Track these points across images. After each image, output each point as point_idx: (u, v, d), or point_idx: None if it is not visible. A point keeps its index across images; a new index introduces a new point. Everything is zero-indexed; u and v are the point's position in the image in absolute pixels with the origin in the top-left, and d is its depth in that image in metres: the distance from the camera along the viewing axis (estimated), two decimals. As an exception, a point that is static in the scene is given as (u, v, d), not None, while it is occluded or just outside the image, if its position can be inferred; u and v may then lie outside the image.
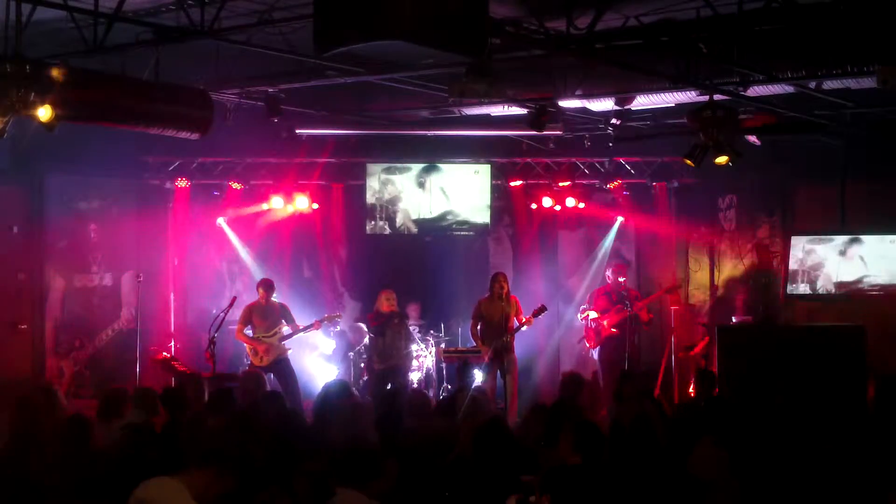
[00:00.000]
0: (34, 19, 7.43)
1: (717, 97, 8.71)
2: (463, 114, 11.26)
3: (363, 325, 12.62)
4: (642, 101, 9.83)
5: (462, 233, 13.20)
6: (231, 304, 10.47)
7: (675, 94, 9.46)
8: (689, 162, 8.85)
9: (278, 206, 13.18)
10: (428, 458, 6.05)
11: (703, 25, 7.78)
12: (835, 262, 11.18)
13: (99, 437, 6.94)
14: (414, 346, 12.07)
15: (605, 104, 10.17)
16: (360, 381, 12.07)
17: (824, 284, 11.30)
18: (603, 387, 11.64)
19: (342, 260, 14.06)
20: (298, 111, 11.21)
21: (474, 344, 11.37)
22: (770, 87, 9.16)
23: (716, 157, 8.70)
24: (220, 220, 13.29)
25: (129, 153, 12.02)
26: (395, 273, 12.77)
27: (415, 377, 12.11)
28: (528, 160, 13.05)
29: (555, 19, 7.74)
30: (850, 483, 5.94)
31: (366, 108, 11.55)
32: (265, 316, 11.13)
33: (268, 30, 8.09)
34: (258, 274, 12.66)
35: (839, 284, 11.18)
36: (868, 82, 8.50)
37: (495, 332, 10.88)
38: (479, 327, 11.16)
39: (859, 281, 11.19)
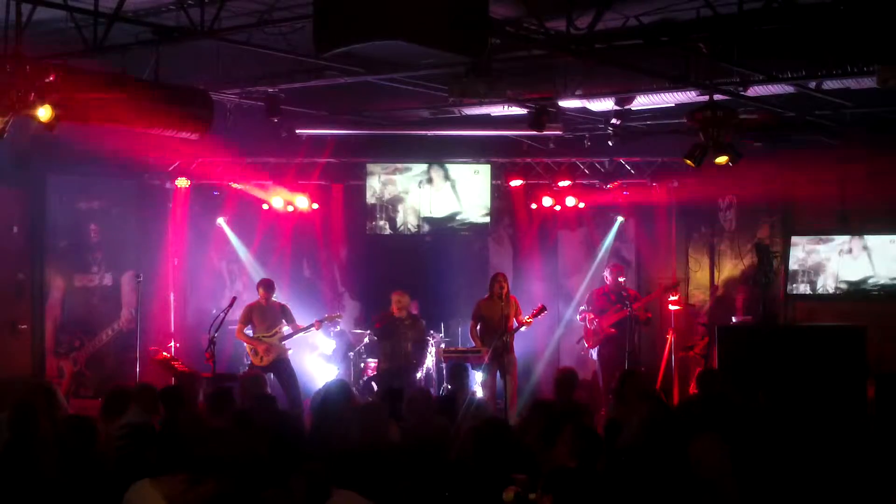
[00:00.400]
0: (34, 19, 7.43)
1: (717, 97, 8.71)
2: (463, 114, 11.25)
3: (362, 329, 12.63)
4: (642, 101, 9.84)
5: (462, 233, 13.20)
6: (231, 304, 10.47)
7: (675, 94, 9.46)
8: (689, 162, 8.85)
9: (278, 206, 13.18)
10: (427, 458, 6.05)
11: (703, 25, 7.78)
12: (834, 262, 11.18)
13: (101, 436, 6.95)
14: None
15: (605, 104, 10.17)
16: (360, 381, 12.06)
17: (824, 284, 11.30)
18: (602, 386, 11.65)
19: (342, 260, 14.07)
20: (298, 111, 11.22)
21: (474, 344, 11.37)
22: (770, 87, 9.16)
23: (716, 157, 8.70)
24: (220, 220, 13.30)
25: (129, 153, 12.02)
26: (395, 273, 12.77)
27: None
28: (528, 160, 13.05)
29: (555, 19, 7.74)
30: (851, 483, 5.95)
31: (366, 108, 11.56)
32: (265, 316, 11.12)
33: (268, 30, 8.09)
34: (258, 274, 12.67)
35: (839, 284, 11.18)
36: (868, 82, 8.50)
37: (495, 332, 10.88)
38: (478, 327, 11.16)
39: (859, 281, 11.19)
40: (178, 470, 4.95)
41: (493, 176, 13.07)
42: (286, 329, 11.15)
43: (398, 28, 5.22)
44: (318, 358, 12.75)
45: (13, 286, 11.62)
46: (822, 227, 11.67)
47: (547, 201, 13.21)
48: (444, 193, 13.09)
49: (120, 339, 12.53)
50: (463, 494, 5.74)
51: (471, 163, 13.08)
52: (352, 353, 12.42)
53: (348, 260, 14.02)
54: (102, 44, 7.81)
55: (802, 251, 11.43)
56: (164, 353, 12.11)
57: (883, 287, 11.09)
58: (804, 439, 6.46)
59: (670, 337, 12.30)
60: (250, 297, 11.94)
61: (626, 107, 10.06)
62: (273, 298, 11.29)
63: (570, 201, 13.12)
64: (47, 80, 7.12)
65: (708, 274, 12.97)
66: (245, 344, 11.25)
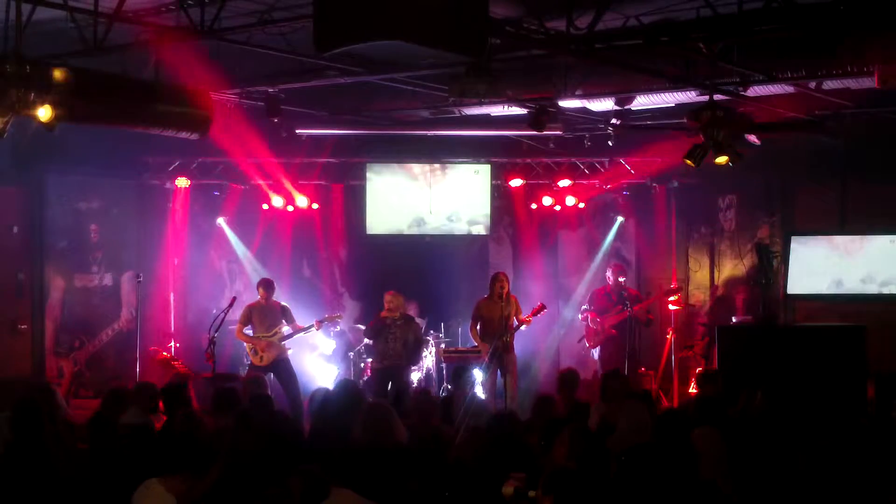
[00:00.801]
0: (34, 19, 7.43)
1: (717, 97, 8.71)
2: (463, 114, 11.25)
3: (362, 327, 12.63)
4: (642, 101, 9.84)
5: (462, 233, 13.20)
6: (231, 304, 10.46)
7: (675, 94, 9.46)
8: (689, 162, 8.85)
9: (278, 205, 13.19)
10: (426, 458, 6.05)
11: (703, 25, 7.78)
12: (834, 262, 11.17)
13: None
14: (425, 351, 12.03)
15: (605, 104, 10.18)
16: (361, 381, 12.06)
17: (824, 284, 11.30)
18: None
19: (342, 260, 14.07)
20: (298, 111, 11.22)
21: (475, 344, 11.37)
22: (770, 87, 9.16)
23: (716, 157, 8.70)
24: (220, 220, 13.30)
25: (129, 153, 12.04)
26: (395, 273, 12.76)
27: (415, 377, 12.11)
28: (528, 160, 13.05)
29: (555, 19, 7.75)
30: (851, 483, 5.94)
31: (366, 108, 11.55)
32: (265, 316, 11.11)
33: (268, 30, 8.09)
34: (258, 274, 12.66)
35: (839, 284, 11.17)
36: (868, 82, 8.50)
37: (495, 332, 10.87)
38: (478, 327, 11.15)
39: (859, 281, 11.18)
40: (178, 469, 4.94)
41: (493, 176, 13.07)
42: (286, 329, 11.14)
43: (398, 28, 5.22)
44: (318, 358, 12.75)
45: (13, 286, 11.63)
46: (822, 227, 11.66)
47: (547, 201, 13.21)
48: (443, 193, 13.09)
49: (120, 339, 12.54)
50: (462, 495, 5.75)
51: (471, 163, 13.08)
52: (352, 353, 12.42)
53: (348, 260, 14.03)
54: (102, 44, 7.81)
55: (802, 251, 11.43)
56: (164, 353, 12.13)
57: (883, 287, 11.08)
58: (804, 439, 6.44)
59: (670, 337, 12.32)
60: (250, 297, 11.94)
61: (626, 107, 10.06)
62: (273, 298, 11.27)
63: (570, 201, 13.12)
64: (47, 80, 7.12)
65: (708, 274, 12.97)
66: (245, 344, 11.24)
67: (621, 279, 12.15)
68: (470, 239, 13.49)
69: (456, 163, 13.10)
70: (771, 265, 11.01)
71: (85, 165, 11.86)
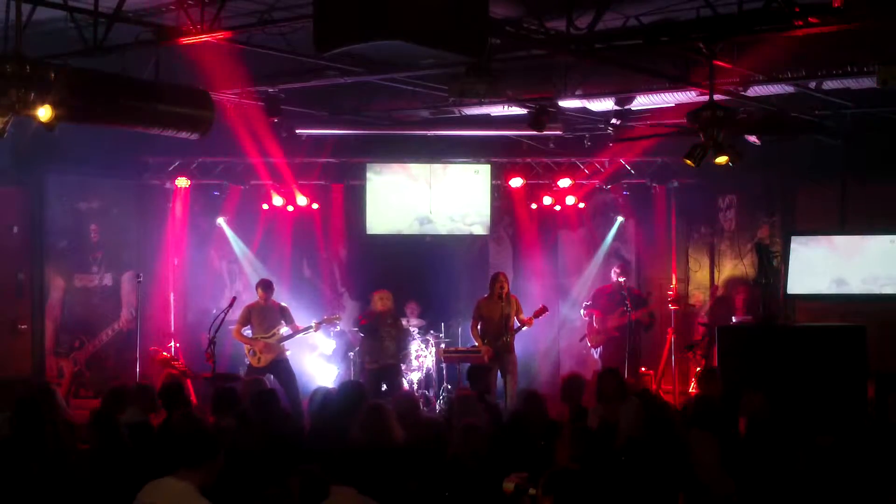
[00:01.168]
0: (34, 19, 7.43)
1: (717, 97, 8.70)
2: (463, 114, 11.25)
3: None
4: (642, 101, 9.84)
5: (462, 233, 13.20)
6: (231, 304, 10.45)
7: (675, 94, 9.46)
8: (689, 162, 8.83)
9: (278, 205, 13.19)
10: (425, 457, 6.06)
11: (703, 25, 7.78)
12: (834, 262, 11.16)
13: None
14: (413, 346, 12.08)
15: (605, 104, 10.17)
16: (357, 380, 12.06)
17: (824, 284, 11.29)
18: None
19: (342, 260, 14.08)
20: (298, 111, 11.22)
21: (475, 344, 11.37)
22: (770, 87, 9.16)
23: (716, 157, 8.70)
24: (220, 220, 13.30)
25: (129, 153, 12.04)
26: (395, 273, 12.77)
27: (415, 377, 12.12)
28: (528, 160, 13.05)
29: (555, 19, 7.75)
30: (851, 483, 5.95)
31: (366, 108, 11.55)
32: (264, 317, 11.10)
33: (268, 30, 8.09)
34: (258, 274, 12.67)
35: (839, 284, 11.17)
36: (868, 82, 8.50)
37: (495, 332, 10.88)
38: (479, 327, 11.15)
39: (859, 281, 11.18)
40: (179, 466, 4.92)
41: (493, 176, 13.07)
42: (284, 330, 11.12)
43: (398, 28, 5.22)
44: (318, 358, 12.75)
45: (13, 286, 11.63)
46: (822, 227, 11.66)
47: (547, 201, 13.22)
48: (443, 193, 13.09)
49: (120, 339, 12.54)
50: (462, 493, 5.76)
51: (471, 163, 13.08)
52: (352, 353, 12.42)
53: (348, 260, 14.03)
54: (102, 44, 7.81)
55: (802, 251, 11.42)
56: (164, 353, 12.13)
57: (883, 287, 11.07)
58: (804, 439, 6.45)
59: (670, 337, 12.32)
60: (250, 297, 11.94)
61: (626, 107, 10.06)
62: (272, 299, 11.26)
63: (570, 201, 13.13)
64: (47, 80, 7.11)
65: (708, 274, 12.98)
66: (243, 344, 11.23)
67: (621, 279, 12.17)
68: (470, 239, 13.49)
69: (456, 163, 13.10)
70: (771, 265, 10.98)
71: (85, 165, 11.86)
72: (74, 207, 12.31)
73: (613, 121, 10.71)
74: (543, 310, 11.13)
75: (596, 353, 12.16)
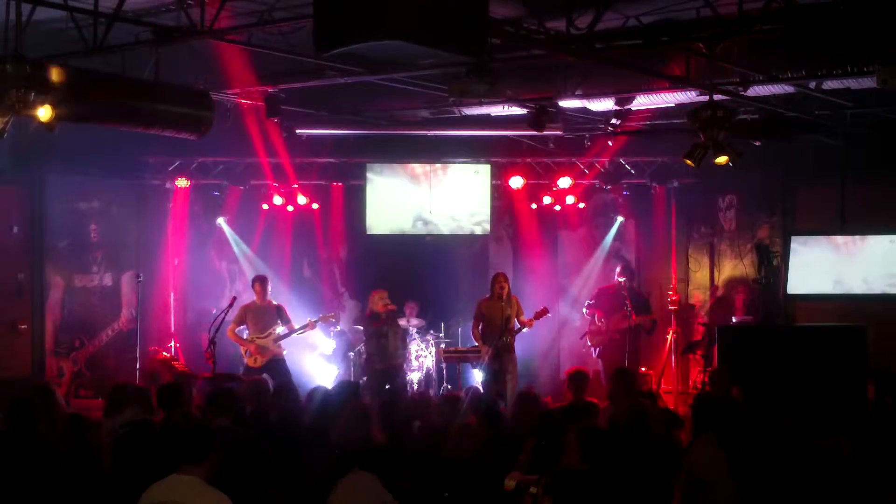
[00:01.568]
0: (34, 19, 7.44)
1: (717, 97, 8.71)
2: (463, 114, 11.26)
3: (362, 329, 12.63)
4: (642, 101, 9.84)
5: (462, 233, 13.20)
6: (231, 304, 10.46)
7: (675, 94, 9.46)
8: (689, 162, 8.84)
9: (278, 205, 13.19)
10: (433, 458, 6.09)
11: (703, 25, 7.78)
12: (834, 262, 11.17)
13: (104, 433, 6.97)
14: (413, 346, 12.08)
15: (605, 104, 10.17)
16: (360, 381, 12.05)
17: (824, 284, 11.29)
18: (605, 386, 11.65)
19: (342, 260, 14.08)
20: (298, 111, 11.21)
21: (475, 344, 11.37)
22: (770, 87, 9.16)
23: (716, 157, 8.70)
24: (220, 220, 13.30)
25: (129, 153, 12.03)
26: (395, 273, 12.77)
27: (415, 377, 12.12)
28: (528, 160, 13.05)
29: (555, 19, 7.74)
30: (851, 483, 5.95)
31: (366, 108, 11.55)
32: (259, 317, 11.08)
33: (268, 30, 8.09)
34: (257, 273, 12.65)
35: (839, 284, 11.17)
36: (868, 82, 8.50)
37: (496, 333, 10.87)
38: (479, 328, 11.14)
39: (859, 281, 11.18)
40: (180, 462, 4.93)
41: (493, 176, 13.07)
42: (280, 330, 11.10)
43: (398, 28, 5.22)
44: (318, 358, 12.75)
45: (13, 286, 11.63)
46: (822, 227, 11.66)
47: (547, 201, 13.21)
48: (443, 193, 13.08)
49: (120, 339, 12.54)
50: (461, 492, 5.77)
51: (471, 163, 13.08)
52: (352, 353, 12.42)
53: (348, 260, 14.03)
54: (102, 44, 7.81)
55: (802, 251, 11.42)
56: (164, 353, 12.13)
57: (883, 287, 11.08)
58: (804, 439, 6.45)
59: (670, 337, 12.32)
60: (250, 297, 11.94)
61: (626, 107, 10.06)
62: (269, 297, 11.23)
63: (570, 201, 13.13)
64: (47, 80, 7.12)
65: (708, 274, 12.97)
66: (239, 345, 11.22)
67: (621, 280, 12.19)
68: (470, 239, 13.49)
69: (456, 163, 13.10)
70: (771, 265, 11.00)
71: (85, 165, 11.86)
72: (74, 207, 12.31)
73: (613, 121, 10.71)
74: (544, 311, 11.13)
75: (595, 353, 12.17)
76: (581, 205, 13.30)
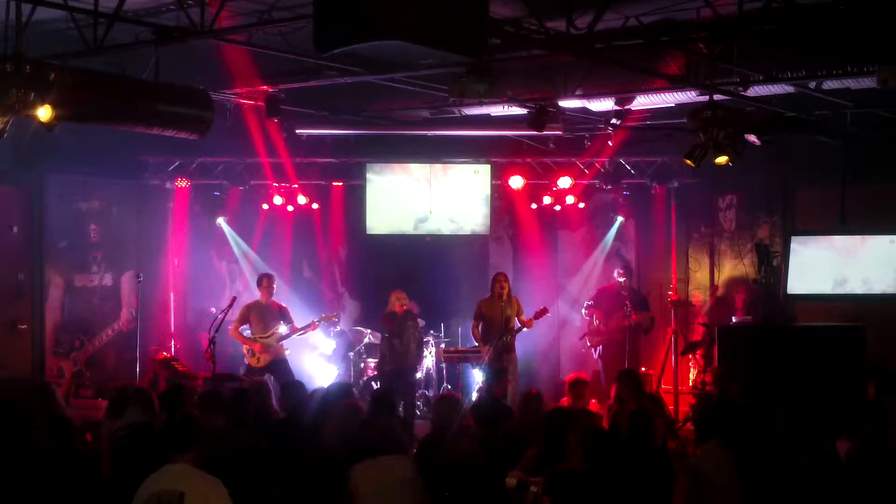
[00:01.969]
0: (34, 19, 7.44)
1: (717, 97, 8.71)
2: (463, 114, 11.25)
3: (362, 329, 12.64)
4: (642, 101, 9.84)
5: (462, 233, 13.20)
6: (231, 304, 10.46)
7: (675, 94, 9.46)
8: (689, 162, 8.84)
9: (278, 205, 13.19)
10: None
11: (703, 25, 7.78)
12: (834, 262, 11.17)
13: (104, 435, 6.97)
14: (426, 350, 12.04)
15: (605, 104, 10.17)
16: (360, 382, 12.06)
17: (824, 284, 11.29)
18: (605, 387, 11.65)
19: (342, 260, 14.08)
20: (298, 111, 11.21)
21: (475, 344, 11.37)
22: (770, 87, 9.16)
23: (716, 157, 8.70)
24: (220, 220, 13.30)
25: (129, 153, 12.04)
26: (395, 273, 12.78)
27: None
28: (528, 160, 13.05)
29: (555, 19, 7.74)
30: (851, 483, 5.94)
31: (366, 108, 11.55)
32: (263, 316, 11.08)
33: (268, 30, 8.09)
34: (257, 274, 12.64)
35: (839, 284, 11.17)
36: (868, 82, 8.50)
37: (496, 333, 10.87)
38: (479, 328, 11.14)
39: (859, 281, 11.18)
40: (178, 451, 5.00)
41: (493, 176, 13.07)
42: (283, 330, 11.10)
43: (398, 28, 5.22)
44: (318, 358, 12.75)
45: (13, 286, 11.63)
46: (822, 227, 11.66)
47: (547, 201, 13.22)
48: (444, 193, 13.09)
49: (120, 339, 12.54)
50: (461, 492, 5.78)
51: (471, 163, 13.08)
52: (352, 353, 12.42)
53: (348, 260, 14.03)
54: (102, 44, 7.81)
55: (802, 251, 11.42)
56: (164, 353, 12.12)
57: (883, 287, 11.08)
58: (804, 439, 6.44)
59: (670, 337, 12.31)
60: (250, 297, 11.94)
61: (626, 107, 10.06)
62: (273, 298, 11.22)
63: (570, 201, 13.13)
64: (47, 80, 7.12)
65: (708, 274, 12.97)
66: (241, 344, 11.22)
67: (621, 280, 12.19)
68: (470, 239, 13.49)
69: (456, 163, 13.10)
70: (771, 265, 10.99)
71: (85, 165, 11.86)
72: (74, 207, 12.31)
73: (613, 121, 10.71)
74: (544, 311, 11.14)
75: (595, 353, 12.17)
76: (581, 205, 13.30)
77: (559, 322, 13.35)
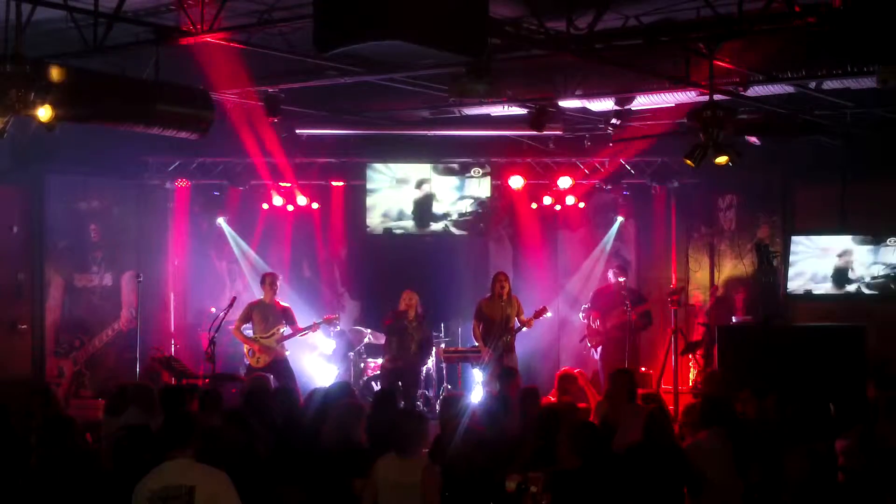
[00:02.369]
0: (34, 19, 7.43)
1: (717, 97, 8.71)
2: (463, 114, 11.26)
3: (362, 329, 12.64)
4: (642, 101, 9.84)
5: (462, 233, 13.20)
6: (231, 304, 10.46)
7: (675, 94, 9.46)
8: (689, 162, 8.84)
9: (278, 205, 13.19)
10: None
11: (703, 25, 7.78)
12: (835, 262, 11.18)
13: (104, 434, 6.96)
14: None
15: (605, 104, 10.18)
16: (360, 382, 12.06)
17: (824, 284, 11.30)
18: (604, 386, 11.66)
19: (342, 260, 14.07)
20: (298, 111, 11.21)
21: (475, 344, 11.36)
22: (770, 87, 9.16)
23: (716, 157, 8.70)
24: (220, 220, 13.30)
25: (129, 153, 12.03)
26: (396, 273, 12.77)
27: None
28: (528, 160, 13.05)
29: (555, 19, 7.75)
30: (850, 483, 5.95)
31: (366, 108, 11.55)
32: (265, 316, 11.06)
33: (268, 30, 8.09)
34: (258, 274, 12.64)
35: (839, 284, 11.18)
36: (868, 82, 8.50)
37: (496, 333, 10.87)
38: (480, 327, 11.14)
39: (859, 281, 11.19)
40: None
41: (493, 176, 13.08)
42: (284, 330, 11.10)
43: (398, 28, 5.22)
44: (318, 358, 12.75)
45: (13, 286, 11.63)
46: (822, 227, 11.66)
47: (547, 201, 13.21)
48: (443, 193, 13.09)
49: (120, 339, 12.54)
50: (461, 492, 5.79)
51: (471, 163, 13.08)
52: (352, 353, 12.41)
53: (348, 260, 14.02)
54: (102, 44, 7.81)
55: (802, 251, 11.43)
56: (164, 353, 12.12)
57: (883, 287, 11.08)
58: (804, 439, 6.45)
59: (670, 337, 12.31)
60: (250, 297, 11.94)
61: (626, 107, 10.06)
62: (276, 298, 11.21)
63: (570, 201, 13.12)
64: (47, 80, 7.12)
65: (708, 274, 12.97)
66: (242, 344, 11.21)
67: (621, 279, 12.18)
68: (470, 239, 13.49)
69: (456, 163, 13.10)
70: (771, 265, 11.00)
71: (85, 165, 11.86)
72: (74, 207, 12.30)
73: (613, 121, 10.71)
74: (543, 310, 11.14)
75: (596, 354, 12.16)
76: (581, 205, 13.29)
77: (559, 322, 13.35)
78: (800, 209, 12.28)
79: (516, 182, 13.09)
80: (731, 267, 12.77)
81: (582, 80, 9.65)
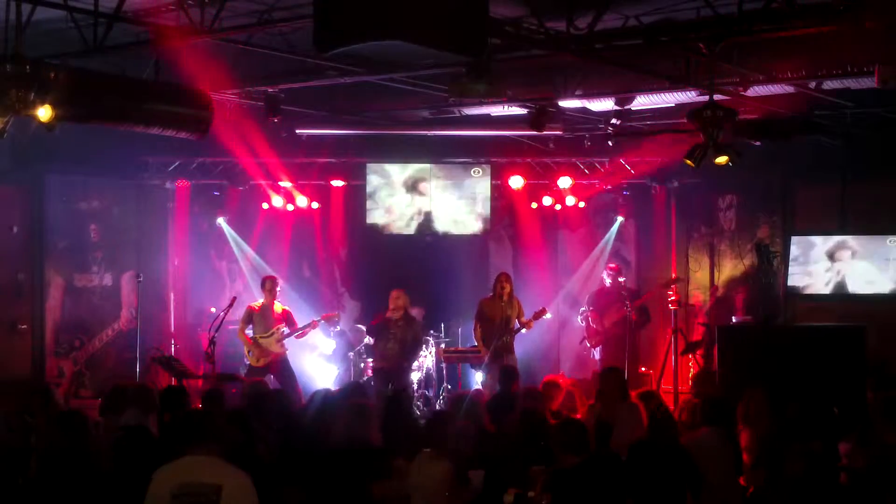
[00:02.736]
0: (34, 19, 7.44)
1: (717, 97, 8.71)
2: (463, 114, 11.26)
3: (362, 327, 12.63)
4: (642, 101, 9.84)
5: (462, 233, 13.20)
6: (231, 304, 10.46)
7: (675, 94, 9.46)
8: (689, 162, 8.84)
9: (278, 205, 13.19)
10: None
11: (703, 25, 7.78)
12: (834, 262, 11.18)
13: (102, 433, 6.96)
14: (423, 350, 11.92)
15: (605, 104, 10.18)
16: (360, 382, 12.04)
17: (824, 284, 11.30)
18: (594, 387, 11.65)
19: (342, 260, 14.07)
20: (298, 111, 11.21)
21: (475, 344, 11.36)
22: (770, 87, 9.16)
23: (716, 157, 8.70)
24: (220, 220, 13.30)
25: (129, 153, 12.03)
26: (395, 273, 12.76)
27: (415, 377, 12.08)
28: (528, 160, 13.05)
29: (555, 19, 7.75)
30: (850, 484, 5.95)
31: (366, 108, 11.55)
32: (265, 316, 11.08)
33: (268, 30, 8.09)
34: (258, 274, 12.66)
35: (839, 284, 11.17)
36: (868, 82, 8.50)
37: (496, 333, 10.86)
38: (479, 328, 11.13)
39: (859, 281, 11.18)
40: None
41: (493, 176, 13.08)
42: (284, 329, 11.10)
43: (398, 28, 5.23)
44: (318, 358, 12.74)
45: (13, 286, 11.63)
46: (822, 227, 11.66)
47: (547, 201, 13.21)
48: (443, 193, 13.09)
49: (120, 339, 12.54)
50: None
51: (471, 163, 13.08)
52: (352, 353, 12.41)
53: (348, 260, 14.03)
54: (102, 44, 7.81)
55: (802, 251, 11.43)
56: (164, 353, 12.11)
57: (883, 287, 11.08)
58: (804, 439, 6.45)
59: (670, 337, 12.31)
60: (250, 297, 11.94)
61: (626, 107, 10.06)
62: (276, 301, 11.20)
63: (570, 201, 13.13)
64: (47, 80, 7.12)
65: (708, 274, 12.97)
66: (243, 344, 11.21)
67: (620, 279, 12.18)
68: (470, 239, 13.49)
69: (456, 163, 13.10)
70: (771, 265, 11.00)
71: (85, 165, 11.86)
72: (74, 207, 12.30)
73: (613, 121, 10.71)
74: (542, 312, 11.14)
75: (596, 354, 12.16)
76: (581, 205, 13.29)
77: (559, 322, 13.35)
78: (800, 209, 12.28)
79: (516, 182, 13.09)
80: (731, 267, 12.77)
81: (582, 81, 9.64)
